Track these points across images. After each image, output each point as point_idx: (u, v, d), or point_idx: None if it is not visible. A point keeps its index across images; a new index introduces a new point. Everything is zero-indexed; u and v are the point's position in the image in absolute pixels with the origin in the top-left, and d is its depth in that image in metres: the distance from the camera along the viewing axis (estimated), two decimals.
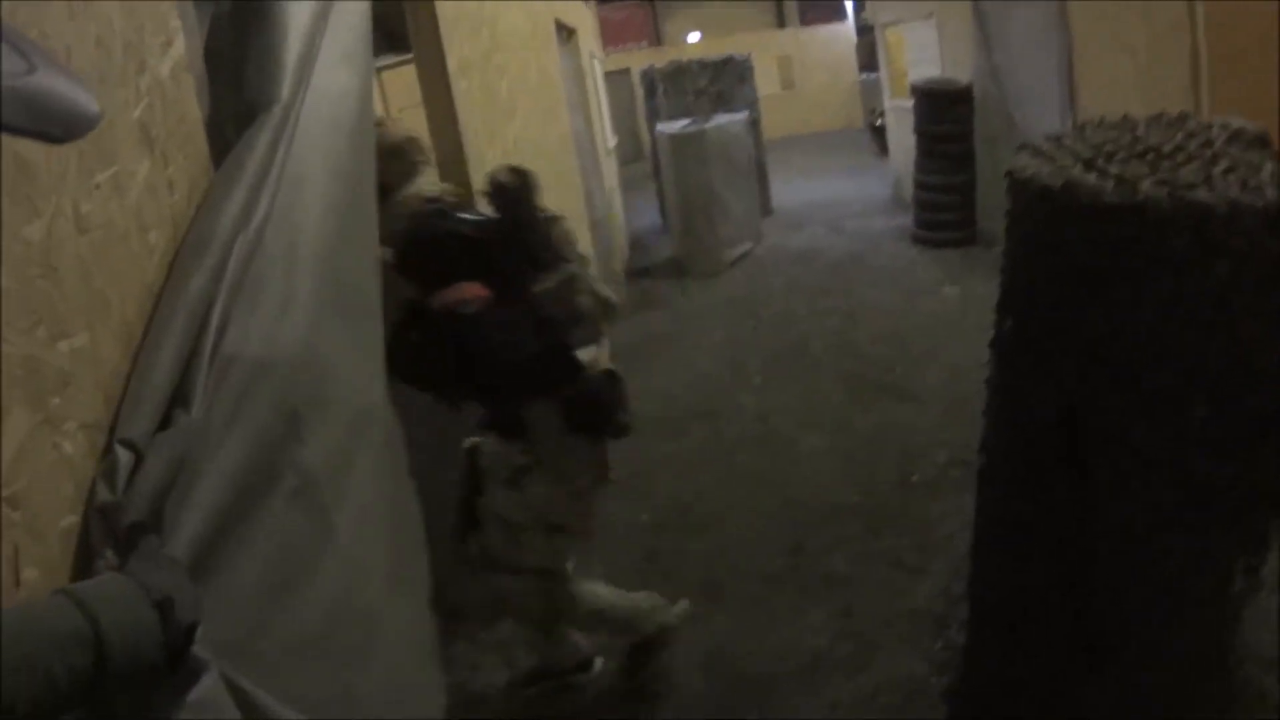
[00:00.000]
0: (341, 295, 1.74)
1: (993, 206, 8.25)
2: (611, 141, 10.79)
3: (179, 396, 1.28)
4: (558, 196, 5.72)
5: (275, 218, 1.54)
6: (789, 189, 13.49)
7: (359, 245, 1.87)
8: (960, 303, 7.28)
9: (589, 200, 7.73)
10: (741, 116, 10.44)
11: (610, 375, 3.01)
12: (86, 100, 0.96)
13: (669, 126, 10.24)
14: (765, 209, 11.92)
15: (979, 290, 7.08)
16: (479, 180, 3.48)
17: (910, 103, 9.40)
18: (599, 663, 3.47)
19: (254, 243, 1.48)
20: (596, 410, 2.92)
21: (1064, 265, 2.11)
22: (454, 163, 3.38)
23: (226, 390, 1.35)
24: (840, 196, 12.86)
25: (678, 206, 10.01)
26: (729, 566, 4.12)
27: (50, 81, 0.91)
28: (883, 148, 13.65)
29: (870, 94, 16.41)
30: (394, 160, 2.81)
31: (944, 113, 8.77)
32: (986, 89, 8.29)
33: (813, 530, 4.28)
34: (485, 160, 3.75)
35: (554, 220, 3.06)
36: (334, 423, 1.66)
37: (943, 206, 9.02)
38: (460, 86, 3.46)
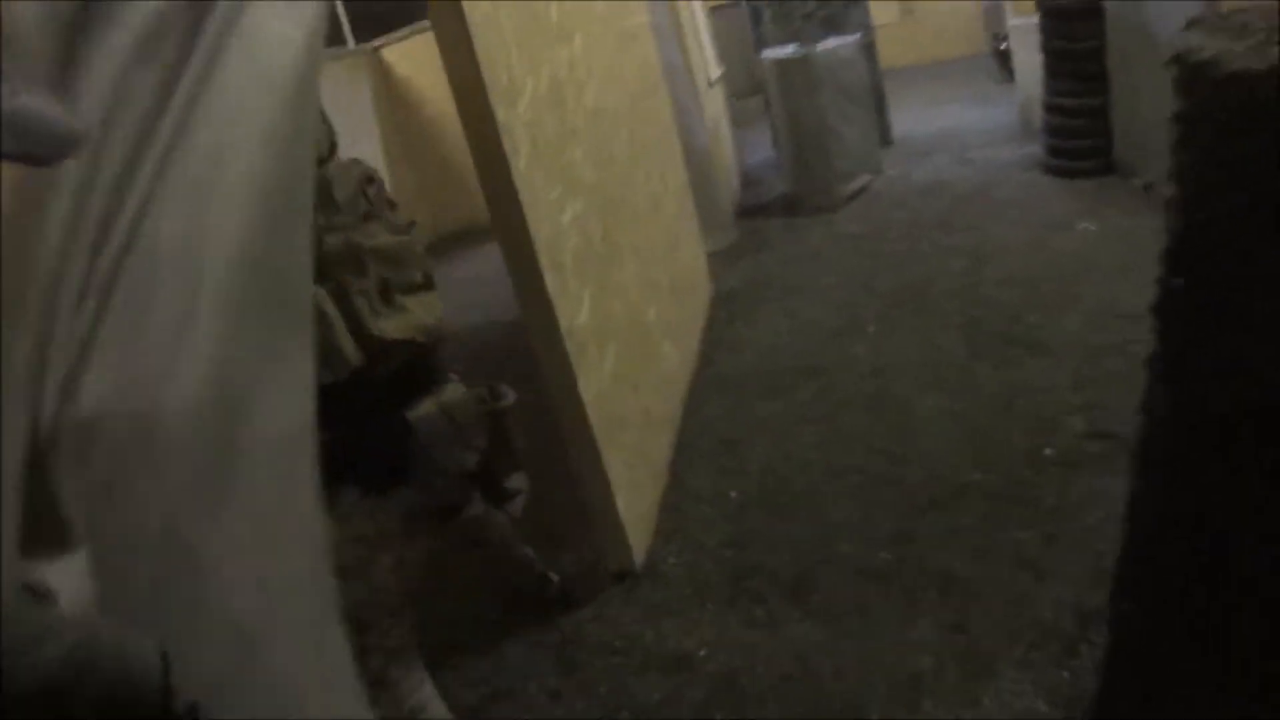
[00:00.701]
0: (267, 293, 1.35)
1: (1129, 131, 7.40)
2: (715, 72, 10.10)
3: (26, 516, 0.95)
4: (638, 125, 5.18)
5: (163, 212, 1.16)
6: (910, 118, 12.63)
7: (290, 228, 1.45)
8: (1097, 240, 6.45)
9: (688, 133, 7.16)
10: (853, 40, 9.64)
11: (410, 422, 2.48)
12: (69, 119, 0.94)
13: (774, 53, 9.54)
14: (885, 139, 11.13)
15: (1119, 226, 6.32)
16: (505, 113, 2.96)
17: (1035, 19, 8.50)
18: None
19: (119, 255, 1.11)
20: (376, 463, 2.41)
21: (1263, 193, 1.44)
22: (472, 93, 2.86)
23: (91, 468, 1.04)
24: (965, 125, 11.94)
25: (788, 138, 9.35)
26: (824, 558, 3.62)
27: (34, 102, 0.89)
28: (1007, 74, 12.64)
29: (992, 19, 15.25)
30: None
31: (1072, 28, 7.86)
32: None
33: (924, 516, 3.73)
34: (524, 91, 3.21)
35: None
36: (258, 468, 1.30)
37: (1075, 132, 8.13)
38: (480, 8, 2.92)
